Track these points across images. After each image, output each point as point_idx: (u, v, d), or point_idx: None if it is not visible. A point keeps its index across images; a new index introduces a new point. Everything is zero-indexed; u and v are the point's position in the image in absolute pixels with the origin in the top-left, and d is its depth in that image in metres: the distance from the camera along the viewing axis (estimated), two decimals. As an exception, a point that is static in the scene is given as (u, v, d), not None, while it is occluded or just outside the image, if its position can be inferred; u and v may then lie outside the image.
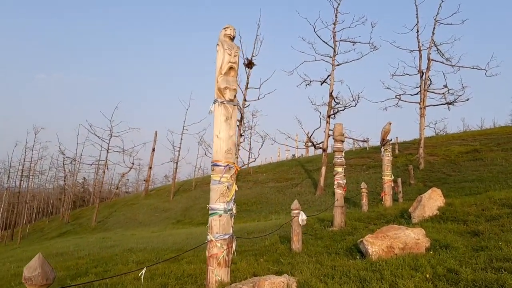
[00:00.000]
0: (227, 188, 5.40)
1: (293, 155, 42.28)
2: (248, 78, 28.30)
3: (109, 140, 35.49)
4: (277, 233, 10.35)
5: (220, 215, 5.39)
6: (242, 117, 27.95)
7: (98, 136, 36.04)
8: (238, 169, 5.73)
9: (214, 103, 5.59)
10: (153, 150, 46.74)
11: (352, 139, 27.57)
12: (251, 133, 35.67)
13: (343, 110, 25.97)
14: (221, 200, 5.39)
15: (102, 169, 39.35)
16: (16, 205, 45.39)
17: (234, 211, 5.56)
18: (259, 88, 28.56)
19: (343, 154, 10.33)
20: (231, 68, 5.66)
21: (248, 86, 28.31)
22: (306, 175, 30.74)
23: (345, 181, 10.44)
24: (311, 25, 26.76)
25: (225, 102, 5.55)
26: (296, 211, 7.86)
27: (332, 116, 26.17)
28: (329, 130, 25.13)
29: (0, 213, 46.84)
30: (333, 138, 10.45)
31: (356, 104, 25.41)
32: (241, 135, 28.23)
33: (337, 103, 26.45)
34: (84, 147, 53.04)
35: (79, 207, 64.41)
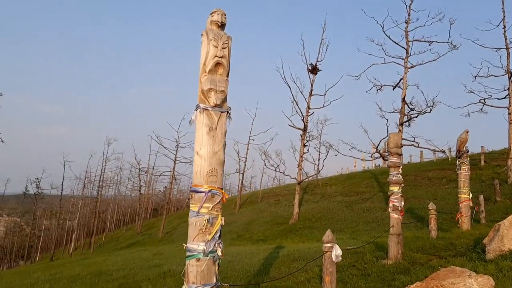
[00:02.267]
0: (208, 222, 4.05)
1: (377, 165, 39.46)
2: (312, 85, 26.69)
3: (176, 151, 35.60)
4: (318, 263, 8.73)
5: (199, 259, 4.02)
6: (305, 126, 26.35)
7: (165, 147, 36.34)
8: (227, 197, 4.36)
9: (196, 109, 4.30)
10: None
11: (426, 148, 24.79)
12: (320, 143, 33.76)
13: (416, 117, 23.45)
14: (200, 239, 4.03)
15: (170, 180, 39.67)
16: (94, 214, 47.34)
17: (220, 253, 4.17)
18: (324, 94, 26.83)
19: (400, 170, 8.48)
20: (218, 64, 4.32)
21: (312, 93, 26.69)
22: (378, 188, 28.34)
23: (403, 203, 8.57)
24: (379, 25, 24.39)
25: (209, 108, 4.21)
26: (329, 245, 6.24)
27: (406, 123, 23.73)
28: (402, 139, 22.73)
29: (77, 222, 49.23)
30: (387, 151, 8.67)
31: (431, 110, 22.78)
32: (304, 146, 26.62)
33: (412, 109, 23.96)
34: (156, 157, 54.26)
35: (157, 216, 66.18)
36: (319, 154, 32.46)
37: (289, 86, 26.63)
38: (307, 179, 32.01)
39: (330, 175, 44.86)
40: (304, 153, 26.85)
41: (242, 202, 38.84)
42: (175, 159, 35.59)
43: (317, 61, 26.65)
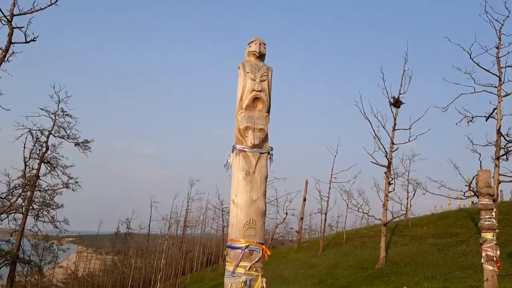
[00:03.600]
0: (245, 284, 3.40)
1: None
2: (395, 119, 25.23)
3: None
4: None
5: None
6: (389, 163, 24.78)
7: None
8: (268, 254, 3.68)
9: (232, 151, 3.77)
10: (304, 199, 45.37)
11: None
12: (407, 180, 31.60)
13: (515, 149, 20.95)
14: (236, 305, 3.40)
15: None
16: (180, 254, 48.27)
17: (261, 323, 3.48)
18: (409, 129, 25.18)
19: (494, 213, 7.16)
20: (256, 98, 3.79)
21: (396, 128, 25.18)
22: (475, 229, 25.45)
23: (498, 253, 7.18)
24: (466, 52, 22.61)
25: (246, 150, 3.67)
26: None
27: (503, 157, 21.27)
28: (499, 175, 20.36)
29: (164, 261, 50.38)
30: (476, 191, 7.41)
31: (531, 141, 20.23)
32: (389, 184, 24.95)
33: (509, 142, 21.49)
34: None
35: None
36: (407, 193, 30.34)
37: (369, 121, 25.42)
38: (393, 220, 29.89)
39: (422, 214, 41.67)
40: (389, 192, 25.13)
41: (325, 244, 37.20)
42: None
43: (400, 94, 25.26)
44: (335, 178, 37.14)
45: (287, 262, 35.42)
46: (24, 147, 10.22)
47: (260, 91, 3.81)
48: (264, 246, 3.58)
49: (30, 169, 15.23)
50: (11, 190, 14.27)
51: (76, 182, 26.16)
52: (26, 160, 10.49)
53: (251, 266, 3.45)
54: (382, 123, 27.04)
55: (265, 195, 3.68)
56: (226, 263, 3.58)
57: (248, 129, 3.69)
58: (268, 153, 3.81)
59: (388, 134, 25.42)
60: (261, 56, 3.97)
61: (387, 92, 26.29)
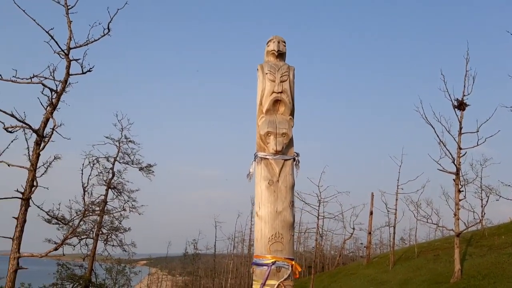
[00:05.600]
0: (273, 305, 3.05)
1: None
2: (460, 122, 23.66)
3: (318, 206, 34.54)
4: None
5: None
6: (458, 169, 23.18)
7: (307, 203, 35.55)
8: (299, 270, 3.30)
9: (254, 159, 3.47)
10: (371, 213, 43.75)
11: None
12: (480, 187, 29.49)
13: None
14: (264, 329, 3.05)
15: (314, 237, 38.43)
16: (248, 273, 48.02)
17: None
18: (477, 131, 23.47)
19: None
20: (277, 101, 3.49)
21: (462, 131, 23.59)
22: None
23: None
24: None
25: (268, 157, 3.36)
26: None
27: None
28: None
29: (231, 281, 50.45)
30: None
31: None
32: (459, 191, 23.28)
33: None
34: (301, 214, 53.64)
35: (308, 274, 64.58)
36: (481, 200, 28.23)
37: (432, 126, 23.99)
38: (467, 230, 27.83)
39: (500, 222, 38.59)
40: (460, 200, 23.43)
41: (396, 258, 35.40)
42: (318, 215, 34.49)
43: (464, 95, 23.72)
44: (402, 189, 35.46)
45: (356, 278, 34.03)
46: (82, 173, 10.56)
47: (281, 92, 3.51)
48: (294, 262, 3.22)
49: (89, 195, 15.97)
50: (74, 217, 14.95)
51: (142, 205, 26.99)
52: (85, 186, 10.79)
53: (279, 284, 3.12)
54: (447, 128, 25.48)
55: (293, 205, 3.33)
56: (253, 281, 3.26)
57: (269, 134, 3.39)
58: (294, 159, 3.47)
59: (454, 139, 23.86)
60: (280, 55, 3.67)
61: (449, 95, 24.83)
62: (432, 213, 32.79)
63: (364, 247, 47.95)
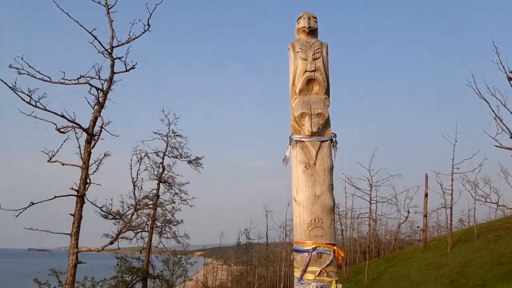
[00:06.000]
0: (316, 292, 2.93)
1: None
2: (517, 98, 22.27)
3: (370, 190, 33.77)
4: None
5: None
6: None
7: (358, 188, 34.84)
8: (342, 255, 3.15)
9: (289, 143, 3.33)
10: (426, 195, 42.28)
11: None
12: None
13: None
14: (307, 317, 2.94)
15: (367, 222, 37.66)
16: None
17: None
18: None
19: None
20: (310, 80, 3.32)
21: (520, 108, 22.19)
22: None
23: None
24: None
25: (303, 139, 3.21)
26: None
27: None
28: None
29: (284, 270, 50.50)
30: None
31: None
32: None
33: None
34: (353, 199, 52.54)
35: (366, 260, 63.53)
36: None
37: (486, 101, 22.66)
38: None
39: None
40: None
41: (455, 241, 34.09)
42: (370, 200, 33.76)
43: (519, 67, 22.28)
44: (457, 169, 33.94)
45: (413, 262, 33.08)
46: (131, 168, 10.85)
47: (314, 71, 3.33)
48: (336, 247, 3.07)
49: (140, 189, 16.45)
50: (126, 211, 15.47)
51: (193, 197, 27.50)
52: (135, 180, 11.08)
53: (321, 271, 2.98)
54: (502, 102, 24.04)
55: (332, 188, 3.17)
56: (294, 269, 3.15)
57: (304, 115, 3.23)
58: (331, 140, 3.30)
59: (511, 113, 22.52)
60: (312, 32, 3.48)
61: (503, 67, 23.36)
62: (491, 192, 31.26)
63: (421, 230, 46.51)
